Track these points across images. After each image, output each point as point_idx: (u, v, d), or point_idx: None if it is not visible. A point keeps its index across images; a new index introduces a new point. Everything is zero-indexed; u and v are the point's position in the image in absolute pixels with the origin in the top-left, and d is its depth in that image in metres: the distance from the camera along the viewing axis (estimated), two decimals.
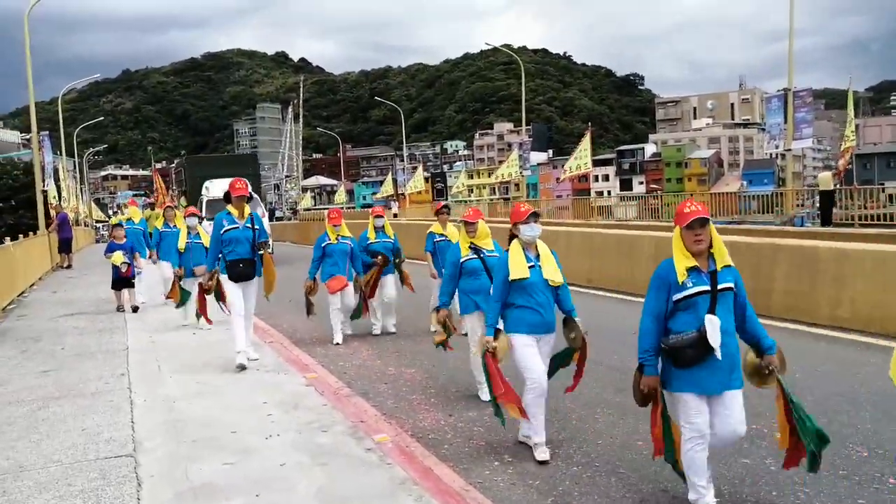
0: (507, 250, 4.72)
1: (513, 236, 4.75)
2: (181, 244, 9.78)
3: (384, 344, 8.53)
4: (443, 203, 10.83)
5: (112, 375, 7.03)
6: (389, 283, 9.02)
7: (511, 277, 4.56)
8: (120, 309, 11.15)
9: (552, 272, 4.65)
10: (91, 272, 18.77)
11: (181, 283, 9.69)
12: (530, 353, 4.59)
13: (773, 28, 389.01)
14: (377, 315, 9.11)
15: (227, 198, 7.10)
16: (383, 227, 9.10)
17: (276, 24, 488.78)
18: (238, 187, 7.07)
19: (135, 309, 11.11)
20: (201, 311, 8.28)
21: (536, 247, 4.72)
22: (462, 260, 5.78)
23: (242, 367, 6.94)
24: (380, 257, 8.80)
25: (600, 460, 4.55)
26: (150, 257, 12.04)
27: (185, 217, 10.18)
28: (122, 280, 11.21)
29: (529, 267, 4.60)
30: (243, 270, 7.00)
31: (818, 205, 19.99)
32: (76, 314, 11.34)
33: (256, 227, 7.09)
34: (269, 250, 7.56)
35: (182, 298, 9.62)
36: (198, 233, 9.89)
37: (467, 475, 4.36)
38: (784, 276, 9.08)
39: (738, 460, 4.42)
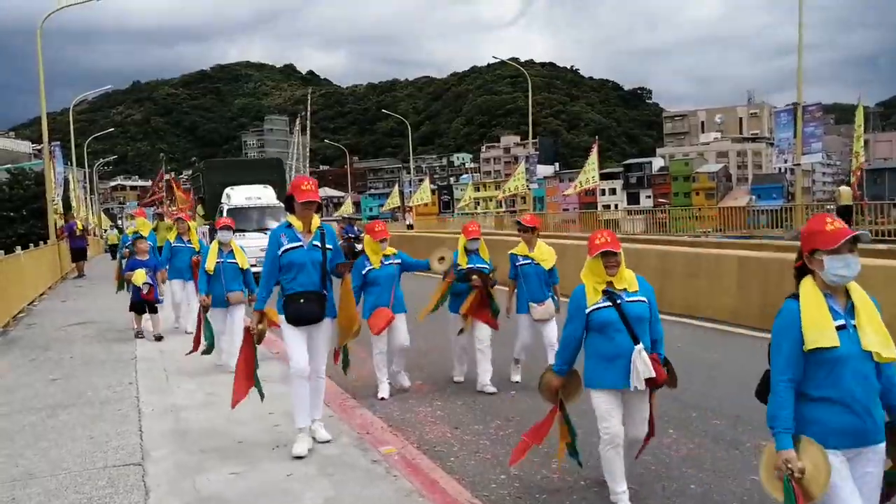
0: (793, 296, 2.82)
1: (801, 272, 2.87)
2: (210, 265, 7.62)
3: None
4: (528, 215, 8.15)
5: (120, 384, 7.07)
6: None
7: (808, 346, 2.68)
8: (139, 335, 9.63)
9: (878, 338, 2.70)
10: (100, 282, 18.86)
11: (207, 315, 7.70)
12: (846, 488, 2.65)
13: (781, 42, 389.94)
14: (461, 360, 7.12)
15: (289, 205, 4.96)
16: (478, 249, 6.87)
17: (284, 37, 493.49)
18: (305, 188, 4.84)
19: (158, 338, 9.44)
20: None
21: (847, 292, 2.79)
22: (590, 309, 3.90)
23: (300, 457, 4.76)
24: (475, 276, 6.64)
25: None
26: (160, 278, 10.01)
27: (217, 229, 7.93)
28: (144, 303, 9.55)
29: (838, 328, 2.69)
30: (306, 308, 4.84)
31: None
32: (85, 323, 11.40)
33: (329, 245, 5.00)
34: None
35: (208, 338, 7.65)
36: (231, 250, 7.77)
37: (474, 488, 4.35)
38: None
39: (748, 476, 4.40)
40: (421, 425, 5.73)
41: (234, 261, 7.71)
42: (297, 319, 4.87)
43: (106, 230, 43.39)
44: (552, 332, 6.47)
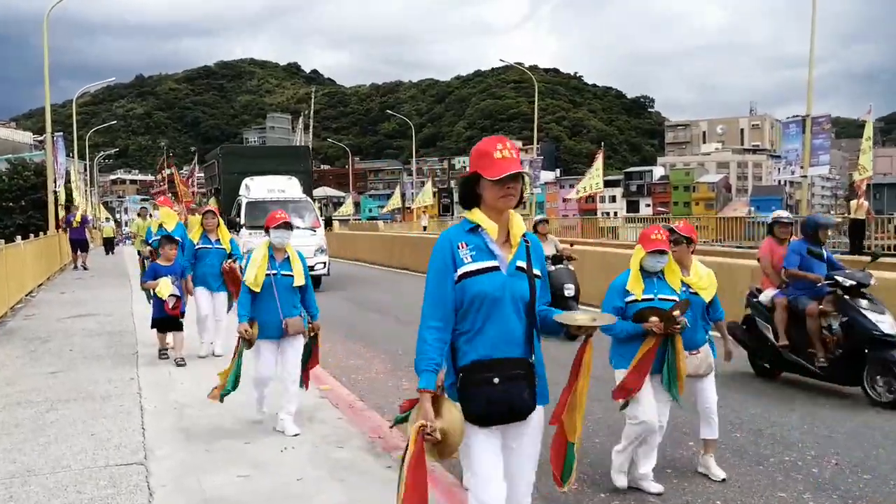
0: None
1: None
2: (257, 277, 5.19)
3: (397, 358, 8.36)
4: (682, 221, 5.26)
5: (121, 379, 6.90)
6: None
7: None
8: (164, 355, 7.79)
9: None
10: (99, 275, 18.71)
11: (246, 351, 5.29)
12: None
13: (785, 54, 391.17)
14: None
15: (469, 193, 2.64)
16: (663, 271, 4.32)
17: (289, 35, 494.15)
18: (500, 156, 2.53)
19: (180, 362, 7.51)
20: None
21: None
22: None
23: None
24: (654, 318, 4.10)
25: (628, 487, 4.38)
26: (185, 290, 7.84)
27: (269, 229, 5.30)
28: (169, 320, 7.56)
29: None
30: (509, 393, 2.52)
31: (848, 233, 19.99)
32: (85, 315, 11.22)
33: (536, 270, 2.67)
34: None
35: (231, 380, 5.27)
36: (287, 258, 5.31)
37: None
38: None
39: (775, 494, 4.25)
40: None
41: (289, 273, 5.25)
42: (489, 416, 2.52)
43: (102, 222, 42.76)
44: (711, 392, 4.52)
